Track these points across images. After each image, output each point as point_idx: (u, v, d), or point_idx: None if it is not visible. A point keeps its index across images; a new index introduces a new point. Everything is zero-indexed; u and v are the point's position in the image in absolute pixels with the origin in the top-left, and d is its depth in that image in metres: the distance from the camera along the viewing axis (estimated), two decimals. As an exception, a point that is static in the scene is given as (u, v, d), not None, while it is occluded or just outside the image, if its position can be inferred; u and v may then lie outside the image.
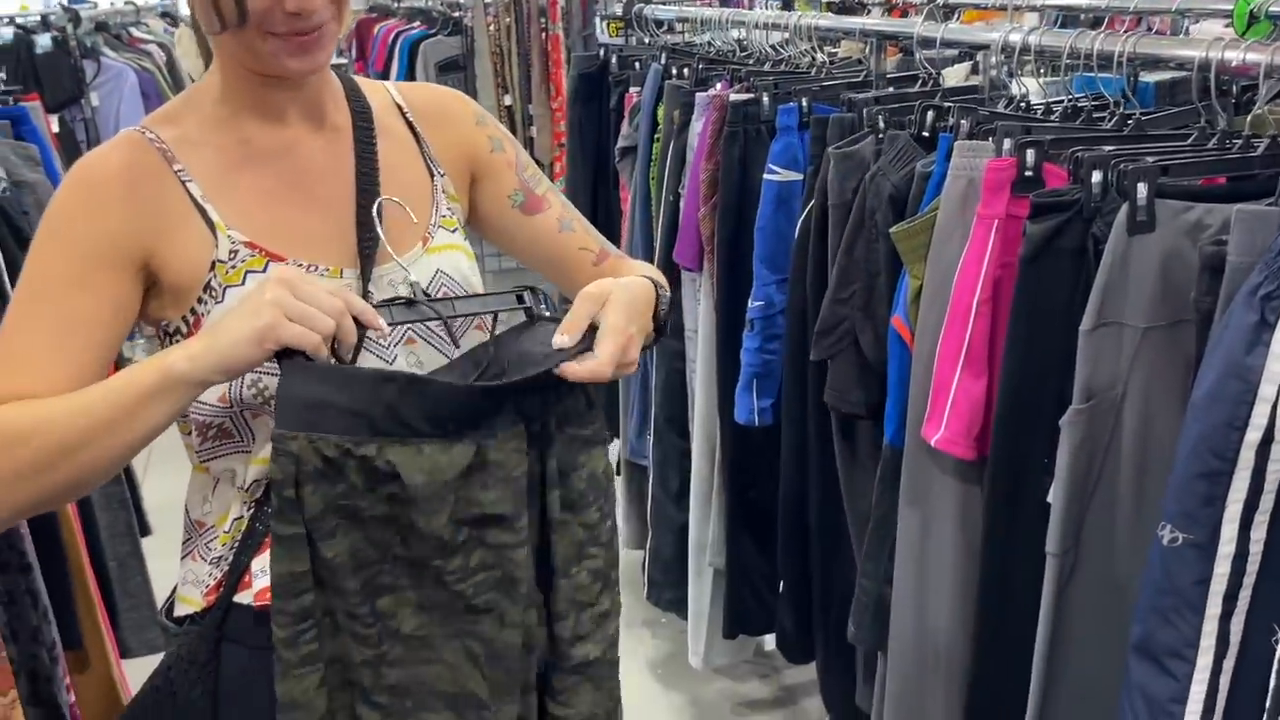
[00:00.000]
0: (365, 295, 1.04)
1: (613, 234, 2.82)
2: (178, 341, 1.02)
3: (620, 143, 2.58)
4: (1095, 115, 1.44)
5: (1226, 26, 1.81)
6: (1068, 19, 2.18)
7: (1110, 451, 1.21)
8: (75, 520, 1.81)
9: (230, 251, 1.01)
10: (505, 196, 1.20)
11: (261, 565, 1.03)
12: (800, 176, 1.85)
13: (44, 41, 4.11)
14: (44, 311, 0.98)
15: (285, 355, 0.91)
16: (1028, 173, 1.30)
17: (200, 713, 1.06)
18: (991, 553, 1.36)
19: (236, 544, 1.05)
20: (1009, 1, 2.73)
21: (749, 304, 1.96)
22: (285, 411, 0.91)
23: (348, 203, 1.07)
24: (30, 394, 0.95)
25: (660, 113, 2.36)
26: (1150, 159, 1.17)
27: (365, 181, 1.08)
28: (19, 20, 4.32)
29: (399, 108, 1.16)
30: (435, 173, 1.15)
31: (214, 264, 1.01)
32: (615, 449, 2.91)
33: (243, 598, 1.05)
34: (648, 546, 2.58)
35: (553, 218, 1.23)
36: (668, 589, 2.51)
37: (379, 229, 1.05)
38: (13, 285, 1.69)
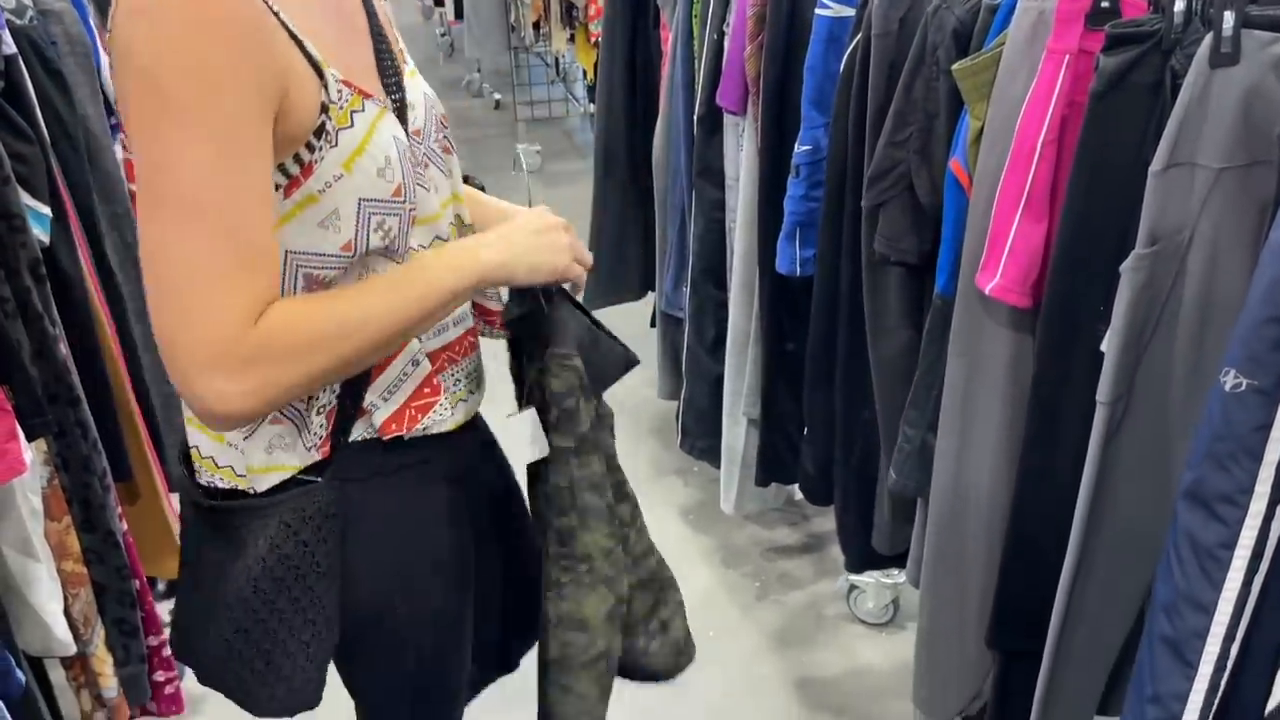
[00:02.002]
0: (404, 121, 1.03)
1: (652, 75, 2.73)
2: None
3: (662, -21, 2.46)
4: (1179, -58, 1.35)
5: None
6: None
7: (1171, 299, 1.17)
8: (120, 359, 1.83)
9: (337, 91, 0.95)
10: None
11: (372, 400, 1.04)
12: (853, 11, 1.76)
13: None
14: (254, 189, 0.90)
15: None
16: (1104, 4, 1.22)
17: (330, 566, 1.06)
18: (1040, 401, 1.34)
19: (339, 389, 1.03)
20: None
21: (795, 149, 1.90)
22: (563, 335, 1.09)
23: (365, 30, 1.05)
24: (276, 289, 0.92)
25: (705, -54, 2.25)
26: (1240, -14, 1.09)
27: (371, 14, 1.07)
28: None
29: None
30: (386, 6, 1.14)
31: (324, 106, 0.93)
32: (650, 301, 2.89)
33: (357, 434, 1.05)
34: (681, 397, 2.59)
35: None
36: (700, 438, 2.53)
37: (402, 65, 1.07)
38: (45, 117, 1.67)
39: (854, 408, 1.87)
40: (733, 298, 2.29)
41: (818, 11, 1.80)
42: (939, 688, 1.67)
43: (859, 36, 1.64)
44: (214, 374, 0.88)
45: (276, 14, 0.91)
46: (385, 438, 1.06)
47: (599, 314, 1.19)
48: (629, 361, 1.18)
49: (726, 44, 2.12)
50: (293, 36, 0.92)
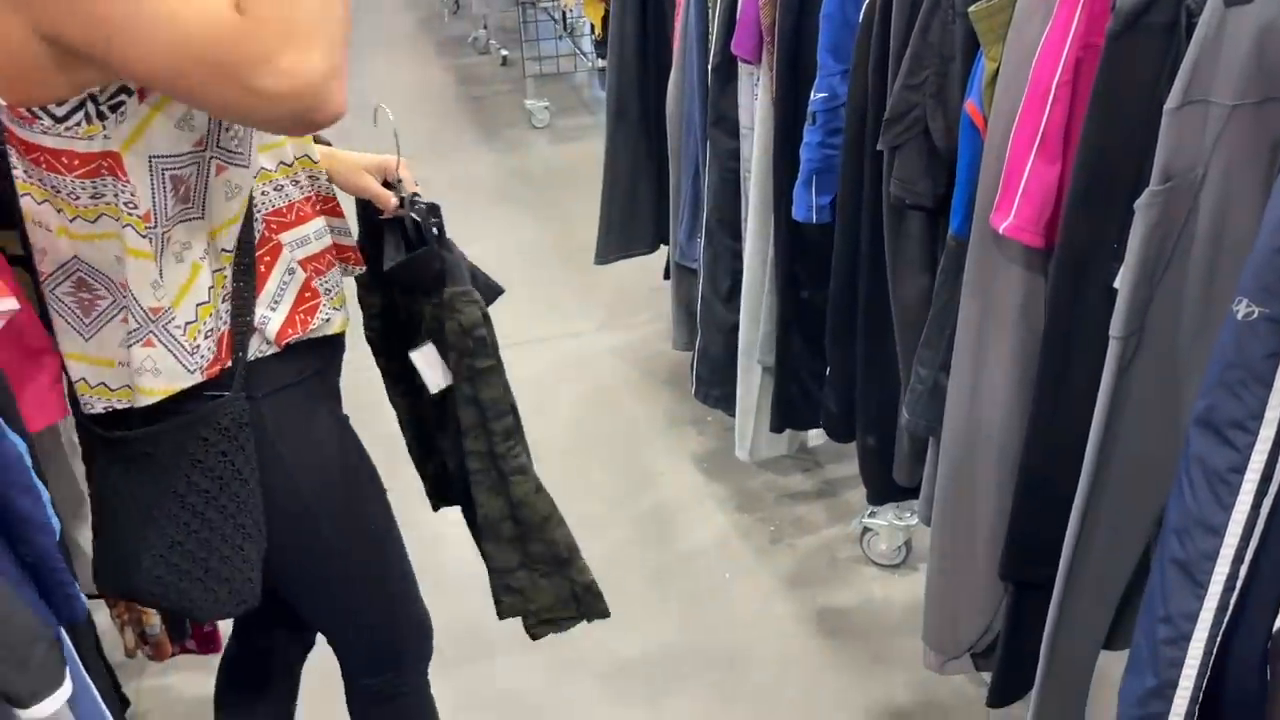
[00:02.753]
0: None
1: (665, 25, 2.74)
2: None
3: (675, -72, 2.46)
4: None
5: None
6: None
7: (1184, 235, 1.20)
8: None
9: None
10: None
11: (261, 314, 1.15)
12: (871, -41, 1.77)
13: None
14: None
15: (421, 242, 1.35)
16: (1120, -54, 1.24)
17: (250, 476, 1.17)
18: (1053, 337, 1.38)
19: (225, 308, 1.12)
20: None
21: (811, 96, 1.92)
22: (459, 273, 1.32)
23: None
24: None
25: (719, -105, 2.25)
26: (1255, -75, 1.11)
27: None
28: None
29: None
30: None
31: None
32: (664, 253, 2.92)
33: (253, 351, 1.15)
34: (696, 346, 2.63)
35: None
36: (715, 386, 2.57)
37: None
38: None
39: (875, 348, 1.91)
40: (748, 247, 2.32)
41: (834, -41, 1.81)
42: (949, 622, 1.72)
43: (877, -16, 1.65)
44: (265, 63, 0.90)
45: None
46: (282, 344, 1.18)
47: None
48: (498, 289, 1.41)
49: (741, -8, 2.13)
50: None
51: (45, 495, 1.01)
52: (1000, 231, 1.38)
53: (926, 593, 1.77)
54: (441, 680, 1.56)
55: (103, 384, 1.14)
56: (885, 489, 2.00)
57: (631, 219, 2.97)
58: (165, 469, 1.13)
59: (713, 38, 2.31)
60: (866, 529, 2.42)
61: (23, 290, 1.15)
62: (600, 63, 5.03)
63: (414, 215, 1.36)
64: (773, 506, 2.63)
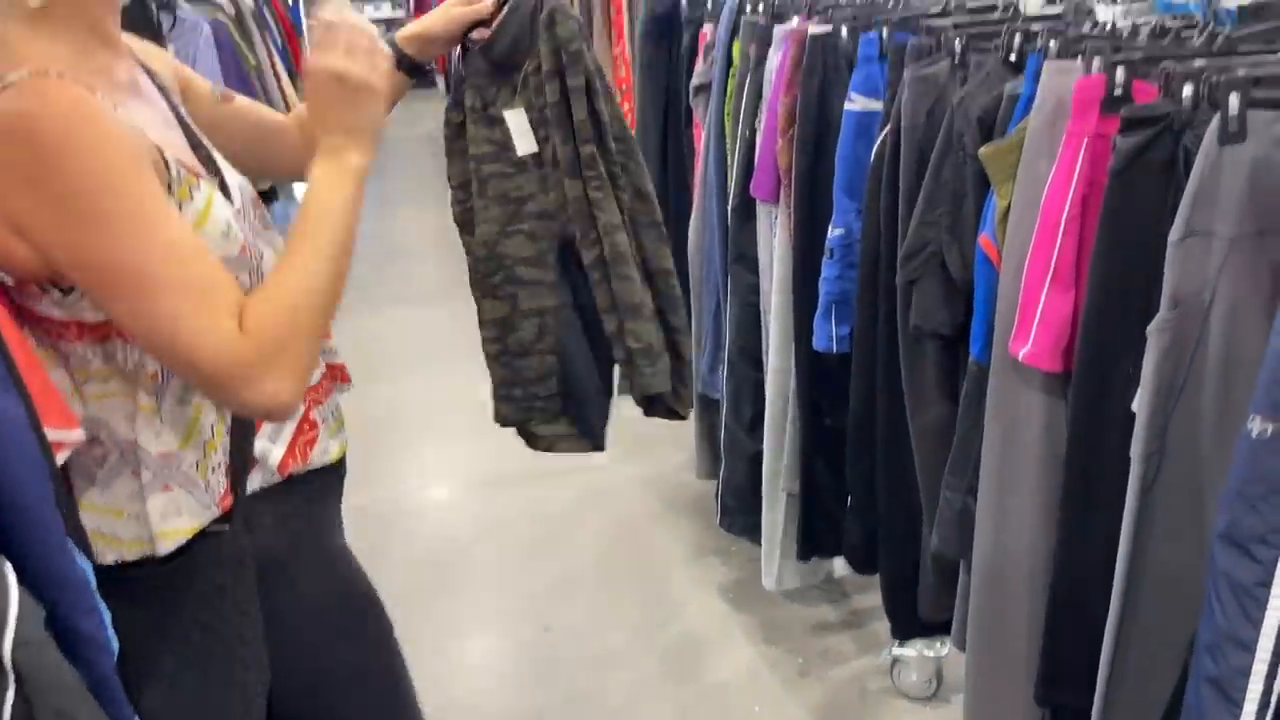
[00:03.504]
0: (229, 196, 1.15)
1: (684, 170, 2.87)
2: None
3: (694, 80, 2.62)
4: (1183, 35, 1.47)
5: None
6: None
7: (1196, 357, 1.25)
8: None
9: (176, 170, 1.06)
10: (206, 95, 1.34)
11: (263, 447, 1.17)
12: (880, 105, 1.89)
13: (121, -6, 4.20)
14: (183, 234, 1.01)
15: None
16: (1117, 91, 1.33)
17: (250, 610, 1.17)
18: (1076, 461, 1.42)
19: (227, 443, 1.15)
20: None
21: (829, 232, 2.01)
22: None
23: (177, 125, 1.17)
24: (237, 289, 1.04)
25: (736, 49, 2.40)
26: (1241, 71, 1.20)
27: (174, 107, 1.19)
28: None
29: (138, 57, 1.22)
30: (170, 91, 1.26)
31: (169, 185, 1.04)
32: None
33: (255, 483, 1.17)
34: (720, 476, 2.66)
35: (245, 101, 1.40)
36: (740, 515, 2.59)
37: (206, 143, 1.20)
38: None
39: (896, 477, 1.94)
40: (769, 377, 2.38)
41: (846, 106, 1.93)
42: (989, 750, 1.70)
43: (888, 128, 1.76)
44: (251, 383, 1.01)
45: (115, 108, 1.02)
46: (284, 475, 1.19)
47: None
48: None
49: (759, 139, 2.25)
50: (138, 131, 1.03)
51: (107, 616, 1.04)
52: (1020, 359, 1.44)
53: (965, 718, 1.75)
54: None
55: (114, 535, 1.14)
56: (910, 624, 2.01)
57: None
58: (166, 604, 1.14)
59: (731, 181, 2.43)
60: (896, 660, 2.39)
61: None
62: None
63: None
64: (800, 638, 2.61)
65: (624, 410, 3.48)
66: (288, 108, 5.92)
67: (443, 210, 5.93)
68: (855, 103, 1.91)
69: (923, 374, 1.79)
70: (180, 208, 1.05)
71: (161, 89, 1.21)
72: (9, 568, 0.70)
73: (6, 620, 0.67)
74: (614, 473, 3.42)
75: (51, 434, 1.11)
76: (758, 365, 2.47)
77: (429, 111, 9.41)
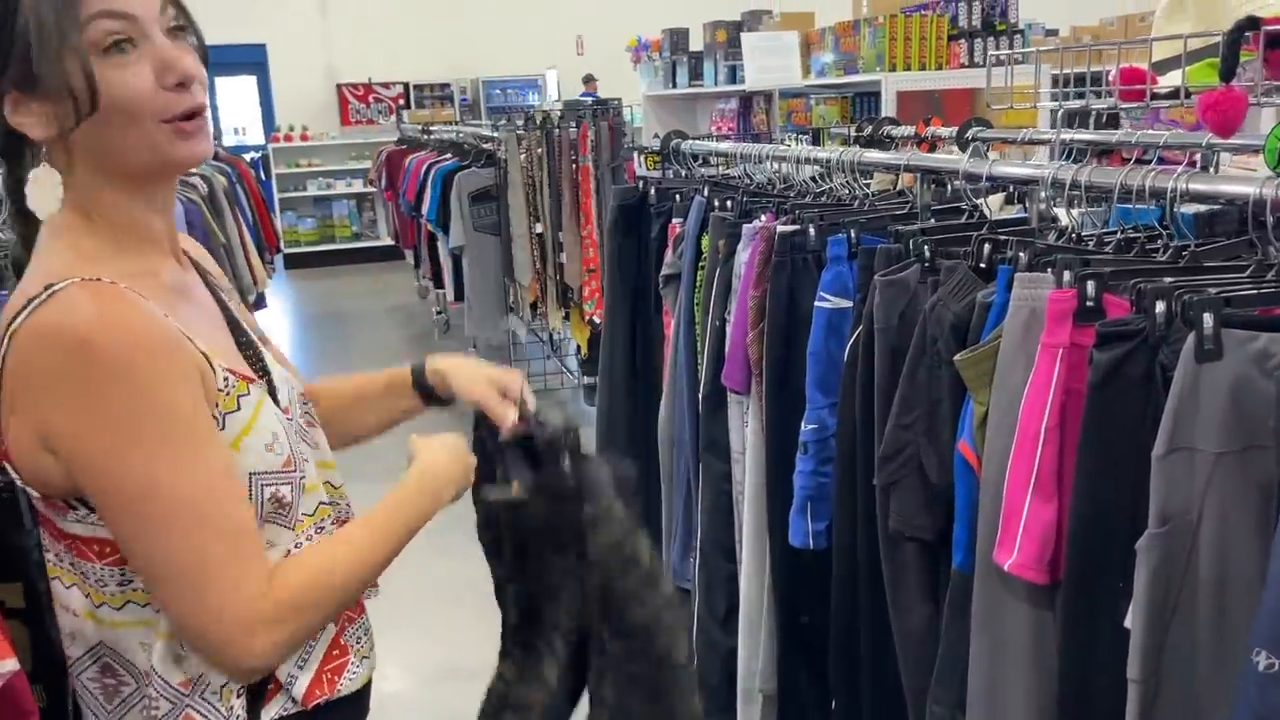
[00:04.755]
0: (275, 398, 1.13)
1: (652, 355, 2.88)
2: None
3: (664, 270, 2.65)
4: (1148, 247, 1.50)
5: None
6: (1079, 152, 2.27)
7: (1188, 575, 1.22)
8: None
9: (224, 379, 1.05)
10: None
11: (288, 671, 1.10)
12: (850, 304, 1.90)
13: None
14: (220, 476, 1.00)
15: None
16: (1089, 303, 1.35)
17: None
18: (1069, 678, 1.36)
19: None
20: (1027, 136, 2.84)
21: (802, 427, 2.00)
22: (595, 487, 1.26)
23: (224, 327, 1.17)
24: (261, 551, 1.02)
25: (705, 242, 2.45)
26: (1212, 290, 1.22)
27: (223, 306, 1.19)
28: None
29: (196, 261, 1.24)
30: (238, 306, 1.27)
31: (217, 393, 1.04)
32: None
33: (273, 711, 1.10)
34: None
35: (321, 388, 1.42)
36: (714, 715, 2.47)
37: (263, 349, 1.19)
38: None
39: (882, 680, 1.86)
40: (744, 571, 2.31)
41: (817, 304, 1.95)
42: None
43: (860, 328, 1.77)
44: (251, 639, 0.98)
45: (164, 315, 1.02)
46: (309, 705, 1.11)
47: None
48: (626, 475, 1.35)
49: (729, 329, 2.26)
50: (187, 338, 1.02)
51: None
52: (1006, 569, 1.40)
53: None
54: None
55: None
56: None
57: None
58: None
59: (702, 369, 2.43)
60: None
61: (16, 651, 1.12)
62: (587, 379, 5.23)
63: (542, 434, 1.23)
64: None
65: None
66: (255, 280, 5.96)
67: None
68: (826, 301, 1.93)
69: (905, 576, 1.74)
70: (225, 420, 1.04)
71: (212, 288, 1.19)
72: None
73: None
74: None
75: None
76: (730, 557, 2.41)
77: (396, 284, 9.54)
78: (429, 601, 3.67)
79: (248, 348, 1.16)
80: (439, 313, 7.34)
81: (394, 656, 3.44)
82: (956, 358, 1.47)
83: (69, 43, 0.97)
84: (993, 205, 2.15)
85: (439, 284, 6.23)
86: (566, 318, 5.03)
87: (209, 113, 1.08)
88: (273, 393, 1.13)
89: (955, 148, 2.51)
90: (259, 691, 1.09)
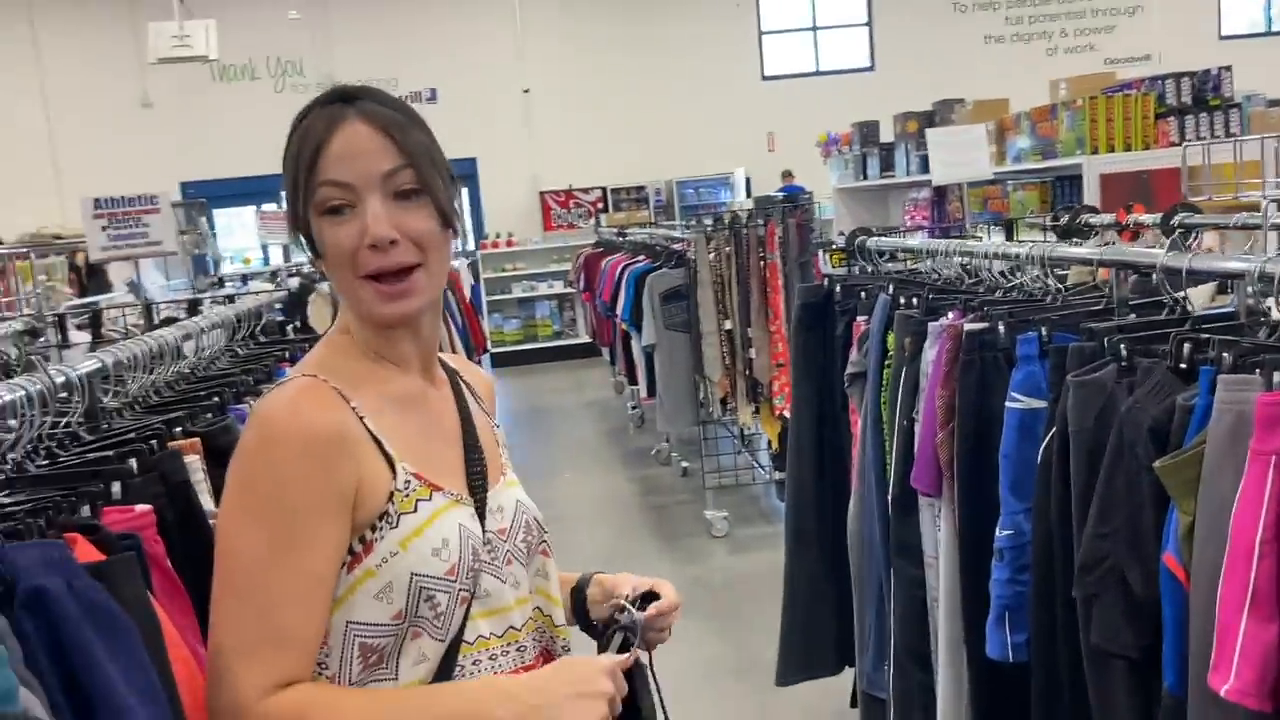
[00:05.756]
0: (483, 519, 1.20)
1: (840, 453, 2.84)
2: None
3: (849, 369, 2.64)
4: (1372, 344, 1.39)
5: None
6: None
7: None
8: None
9: (405, 482, 1.14)
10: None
11: None
12: (1044, 404, 1.84)
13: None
14: (297, 580, 1.07)
15: None
16: (1303, 398, 1.25)
17: None
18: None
19: None
20: (1240, 221, 2.68)
21: (997, 533, 1.92)
22: None
23: (457, 441, 1.25)
24: (307, 671, 1.08)
25: (890, 340, 2.42)
26: None
27: (467, 427, 1.27)
28: (304, 270, 4.93)
29: (459, 375, 1.35)
30: (494, 427, 1.35)
31: (391, 494, 1.13)
32: (847, 676, 2.82)
33: None
34: (890, 788, 2.44)
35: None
36: (914, 836, 2.35)
37: (488, 462, 1.26)
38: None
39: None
40: (940, 684, 2.22)
41: (1008, 405, 1.89)
42: None
43: (1054, 430, 1.70)
44: None
45: (362, 419, 1.13)
46: None
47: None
48: None
49: (917, 429, 2.22)
50: (374, 437, 1.13)
51: None
52: (1222, 694, 1.29)
53: None
54: None
55: None
56: None
57: (811, 640, 2.92)
58: None
59: (890, 468, 2.38)
60: None
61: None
62: (777, 474, 5.19)
63: (622, 626, 1.27)
64: None
65: (784, 699, 3.30)
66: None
67: (605, 475, 6.08)
68: (1019, 402, 1.87)
69: (1112, 697, 1.62)
70: (399, 519, 1.13)
71: (466, 408, 1.30)
72: None
73: None
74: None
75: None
76: (926, 667, 2.32)
77: (593, 380, 9.83)
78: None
79: (474, 465, 1.25)
80: (634, 408, 7.49)
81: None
82: (1157, 464, 1.39)
83: (306, 199, 1.16)
84: (1201, 296, 2.03)
85: (633, 380, 6.38)
86: (756, 412, 5.03)
87: (424, 269, 1.17)
88: (482, 512, 1.21)
89: (1161, 235, 2.40)
90: None
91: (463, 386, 1.34)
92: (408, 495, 1.14)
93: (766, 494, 5.78)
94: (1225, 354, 1.37)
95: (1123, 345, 1.61)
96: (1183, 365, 1.47)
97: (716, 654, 3.99)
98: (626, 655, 1.21)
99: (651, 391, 5.71)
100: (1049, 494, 1.73)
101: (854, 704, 2.73)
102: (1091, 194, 5.06)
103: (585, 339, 9.98)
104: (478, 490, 1.23)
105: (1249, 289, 1.54)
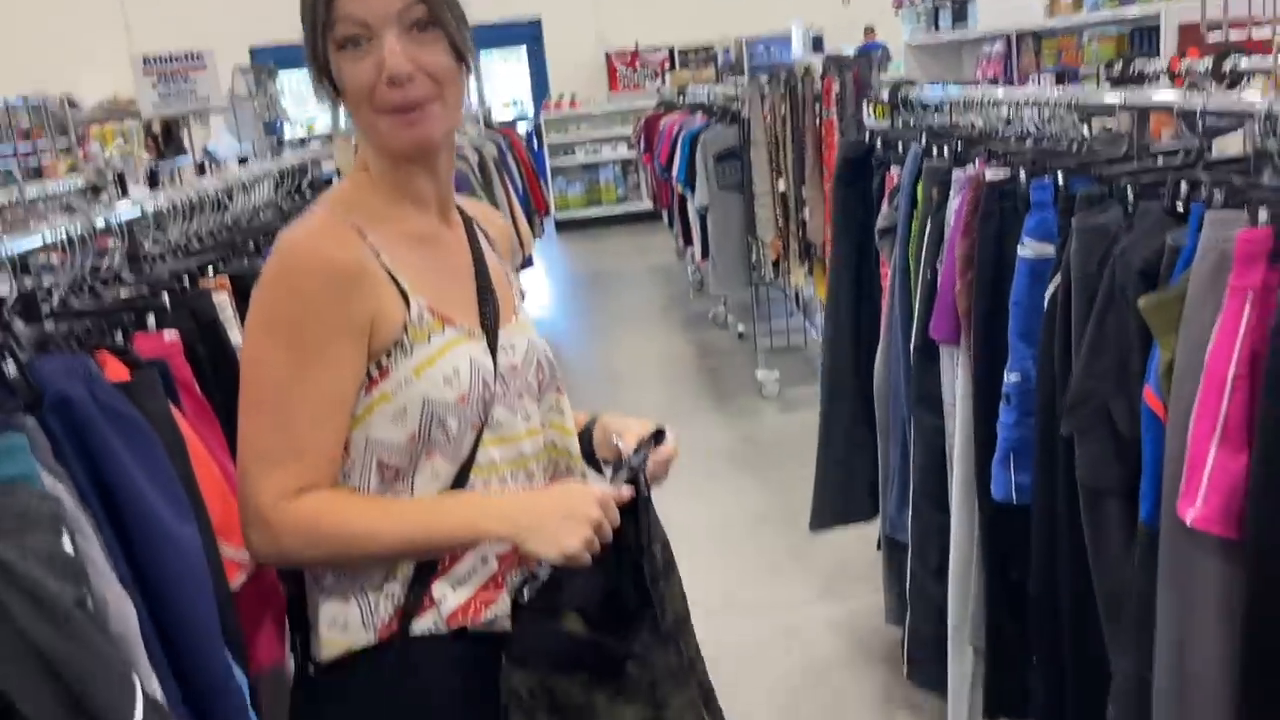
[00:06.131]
0: (494, 354, 1.28)
1: (874, 309, 2.87)
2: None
3: (880, 223, 2.64)
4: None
5: None
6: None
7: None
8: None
9: (419, 315, 1.22)
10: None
11: (442, 590, 1.22)
12: (1054, 250, 1.84)
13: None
14: (315, 396, 1.16)
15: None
16: (1285, 242, 1.26)
17: None
18: (1256, 646, 1.29)
19: (409, 576, 1.22)
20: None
21: (1005, 378, 1.96)
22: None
23: (470, 280, 1.32)
24: (324, 479, 1.18)
25: (919, 191, 2.42)
26: None
27: (480, 267, 1.34)
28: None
29: (475, 220, 1.41)
30: (507, 271, 1.41)
31: (405, 325, 1.21)
32: (876, 525, 2.91)
33: (423, 625, 1.22)
34: (906, 624, 2.56)
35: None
36: (928, 666, 2.48)
37: (502, 299, 1.33)
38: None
39: (1083, 639, 1.82)
40: (954, 524, 2.29)
41: (1019, 252, 1.90)
42: None
43: (1059, 276, 1.72)
44: (250, 529, 1.16)
45: (379, 254, 1.21)
46: (451, 627, 1.22)
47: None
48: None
49: (939, 280, 2.24)
50: (389, 272, 1.21)
51: (257, 727, 1.15)
52: (1189, 522, 1.34)
53: None
54: None
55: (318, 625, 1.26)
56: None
57: (848, 488, 3.00)
58: (319, 717, 1.25)
59: (915, 320, 2.41)
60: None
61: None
62: (831, 336, 5.21)
63: (625, 465, 1.34)
64: (992, 805, 2.43)
65: (822, 546, 3.42)
66: (522, 246, 6.38)
67: (664, 337, 6.16)
68: (1028, 248, 1.88)
69: (1106, 534, 1.68)
70: (413, 348, 1.21)
71: (478, 248, 1.37)
72: (139, 689, 0.81)
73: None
74: (805, 612, 3.35)
75: (235, 554, 1.26)
76: (943, 509, 2.39)
77: (655, 245, 9.84)
78: (703, 539, 3.84)
79: (486, 303, 1.32)
80: (694, 272, 7.52)
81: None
82: (1141, 302, 1.42)
83: (324, 35, 1.20)
84: (1233, 146, 1.99)
85: (688, 242, 6.39)
86: (810, 273, 5.02)
87: (440, 102, 1.22)
88: (493, 347, 1.29)
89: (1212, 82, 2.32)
90: (415, 604, 1.22)
91: (477, 230, 1.40)
92: (421, 327, 1.22)
93: (818, 356, 5.82)
94: (1217, 192, 1.37)
95: (1130, 188, 1.60)
96: (1178, 206, 1.47)
97: (760, 507, 4.13)
98: (622, 489, 1.28)
99: (706, 253, 5.73)
100: (1053, 339, 1.75)
101: (879, 547, 2.83)
102: (1169, 46, 4.82)
103: (649, 205, 9.96)
104: (489, 327, 1.30)
105: (1256, 129, 1.51)
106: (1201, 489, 1.33)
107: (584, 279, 9.06)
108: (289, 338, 1.16)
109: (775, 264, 5.10)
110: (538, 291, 8.55)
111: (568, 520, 1.19)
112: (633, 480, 1.30)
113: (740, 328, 6.30)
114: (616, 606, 1.27)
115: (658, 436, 1.41)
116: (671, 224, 7.10)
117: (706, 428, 5.03)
